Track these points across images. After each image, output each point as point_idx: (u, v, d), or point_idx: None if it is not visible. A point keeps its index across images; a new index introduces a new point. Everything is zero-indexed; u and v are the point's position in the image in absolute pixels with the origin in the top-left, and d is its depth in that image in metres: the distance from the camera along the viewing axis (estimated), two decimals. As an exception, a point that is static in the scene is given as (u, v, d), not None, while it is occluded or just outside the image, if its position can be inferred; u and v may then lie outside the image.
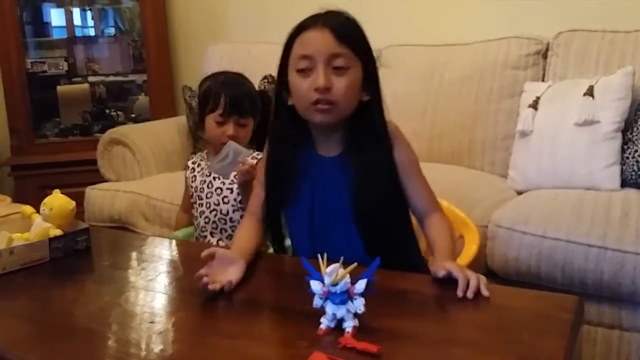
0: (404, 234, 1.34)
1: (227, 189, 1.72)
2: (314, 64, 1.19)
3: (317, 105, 1.20)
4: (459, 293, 1.04)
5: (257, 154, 1.74)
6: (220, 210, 1.72)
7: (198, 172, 1.80)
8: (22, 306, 1.16)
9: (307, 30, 1.21)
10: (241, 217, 1.69)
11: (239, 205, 1.70)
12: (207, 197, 1.74)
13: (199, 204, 1.76)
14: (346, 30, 1.21)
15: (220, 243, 1.72)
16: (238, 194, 1.69)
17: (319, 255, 0.97)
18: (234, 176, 1.65)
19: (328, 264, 0.94)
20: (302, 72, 1.21)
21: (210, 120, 1.71)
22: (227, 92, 1.69)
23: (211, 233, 1.74)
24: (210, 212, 1.73)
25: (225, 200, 1.72)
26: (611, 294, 1.55)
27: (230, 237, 1.71)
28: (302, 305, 1.00)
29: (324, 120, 1.23)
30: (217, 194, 1.73)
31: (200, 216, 1.75)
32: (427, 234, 1.28)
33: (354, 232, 1.26)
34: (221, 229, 1.73)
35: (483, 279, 1.07)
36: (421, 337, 0.94)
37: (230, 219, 1.72)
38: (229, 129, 1.69)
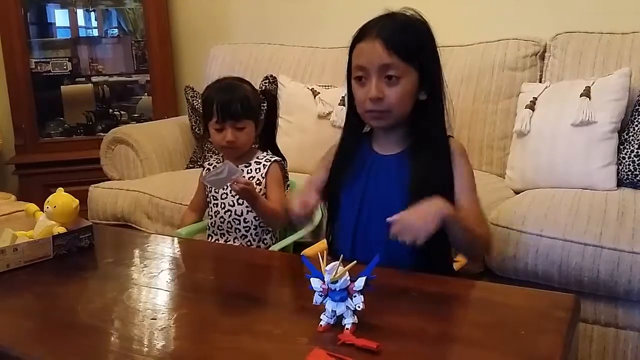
0: (444, 241, 1.34)
1: None
2: (367, 74, 1.25)
3: (371, 114, 1.27)
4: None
5: (271, 157, 1.78)
6: (235, 211, 1.73)
7: None
8: (26, 303, 1.18)
9: (362, 41, 1.27)
10: (254, 218, 1.72)
11: None
12: (221, 198, 1.75)
13: (213, 204, 1.77)
14: (398, 40, 1.24)
15: (236, 242, 1.74)
16: None
17: (318, 254, 0.99)
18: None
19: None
20: (358, 80, 1.28)
21: (211, 127, 1.75)
22: (218, 99, 1.70)
23: (227, 231, 1.75)
24: (225, 212, 1.74)
25: (240, 201, 1.72)
26: (607, 292, 1.56)
27: (243, 237, 1.73)
28: (302, 302, 1.02)
29: (378, 126, 1.31)
30: (232, 195, 1.73)
31: (215, 216, 1.76)
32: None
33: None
34: (235, 229, 1.74)
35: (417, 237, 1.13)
36: (420, 334, 0.95)
37: (244, 219, 1.73)
38: (227, 134, 1.71)
